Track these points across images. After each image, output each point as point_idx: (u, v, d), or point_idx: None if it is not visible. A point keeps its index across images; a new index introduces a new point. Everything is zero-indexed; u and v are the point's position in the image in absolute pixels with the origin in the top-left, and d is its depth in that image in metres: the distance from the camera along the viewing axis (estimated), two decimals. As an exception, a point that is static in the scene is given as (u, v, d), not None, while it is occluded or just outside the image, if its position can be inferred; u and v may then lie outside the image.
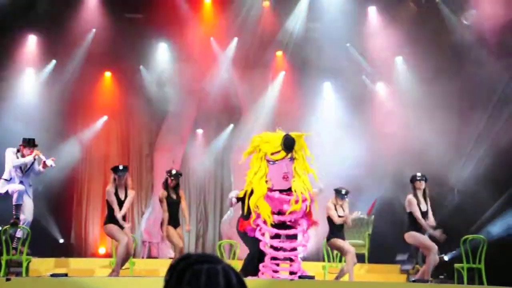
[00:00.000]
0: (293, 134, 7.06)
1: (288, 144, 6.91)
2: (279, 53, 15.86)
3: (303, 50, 15.26)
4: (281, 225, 7.15)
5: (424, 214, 9.68)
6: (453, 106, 13.26)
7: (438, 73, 13.49)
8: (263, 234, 7.13)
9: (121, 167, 9.83)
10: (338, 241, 10.00)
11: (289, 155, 6.99)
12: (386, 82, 15.36)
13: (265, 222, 6.93)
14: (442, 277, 11.54)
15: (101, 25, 14.69)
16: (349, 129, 14.77)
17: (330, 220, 10.05)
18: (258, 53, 15.47)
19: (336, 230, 10.07)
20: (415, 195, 9.69)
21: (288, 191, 7.12)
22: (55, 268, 11.69)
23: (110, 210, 9.67)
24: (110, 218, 9.63)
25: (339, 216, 9.95)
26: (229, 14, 14.77)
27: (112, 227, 9.57)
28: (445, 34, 13.70)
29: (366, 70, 15.42)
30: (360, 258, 13.05)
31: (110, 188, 9.69)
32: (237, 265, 10.62)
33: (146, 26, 14.94)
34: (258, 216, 7.04)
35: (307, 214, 7.23)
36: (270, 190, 6.95)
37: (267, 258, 7.08)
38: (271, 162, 6.98)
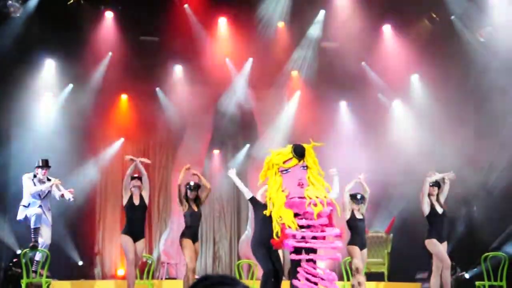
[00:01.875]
0: (303, 144, 7.08)
1: (299, 150, 6.90)
2: (295, 73, 15.88)
3: (318, 69, 15.29)
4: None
5: (442, 216, 9.74)
6: (470, 123, 13.21)
7: (454, 90, 13.47)
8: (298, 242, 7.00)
9: (135, 175, 9.94)
10: (356, 251, 9.96)
11: (301, 162, 6.95)
12: (402, 100, 15.34)
13: (289, 228, 6.84)
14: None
15: (117, 49, 14.79)
16: (366, 147, 14.75)
17: (348, 225, 10.09)
18: (273, 73, 15.51)
19: (356, 235, 10.07)
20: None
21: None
22: (75, 290, 11.73)
23: (128, 218, 9.74)
24: (127, 228, 9.70)
25: (359, 219, 10.07)
26: (244, 34, 14.83)
27: (126, 239, 9.60)
28: (461, 51, 13.68)
29: (382, 88, 15.40)
30: (379, 277, 13.01)
31: (127, 193, 9.75)
32: (255, 285, 10.60)
33: (161, 49, 15.02)
34: (283, 230, 6.94)
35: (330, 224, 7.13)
36: (288, 198, 6.90)
37: (302, 267, 6.97)
38: (284, 172, 6.96)
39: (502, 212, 12.27)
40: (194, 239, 10.19)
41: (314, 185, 6.96)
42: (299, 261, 6.91)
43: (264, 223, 7.76)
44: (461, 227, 12.80)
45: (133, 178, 9.84)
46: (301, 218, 6.83)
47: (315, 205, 6.73)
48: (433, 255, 9.91)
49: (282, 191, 6.97)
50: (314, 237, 6.87)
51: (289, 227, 6.78)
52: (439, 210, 9.80)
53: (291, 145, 6.99)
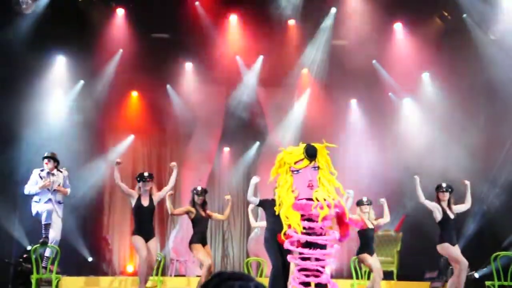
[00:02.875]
0: (316, 144, 7.05)
1: (310, 151, 6.86)
2: (305, 71, 15.87)
3: (329, 67, 15.27)
4: (310, 235, 7.04)
5: (453, 221, 9.63)
6: (481, 121, 13.16)
7: (465, 88, 13.42)
8: (292, 244, 7.02)
9: (146, 174, 9.85)
10: (366, 257, 10.00)
11: (312, 164, 6.92)
12: (413, 98, 15.31)
13: (295, 231, 6.86)
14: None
15: (128, 45, 14.82)
16: (376, 145, 14.74)
17: (360, 234, 10.09)
18: (283, 71, 15.50)
19: (365, 244, 10.08)
20: (440, 206, 9.67)
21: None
22: (85, 286, 11.76)
23: (137, 220, 9.71)
24: (137, 229, 9.66)
25: (370, 228, 10.06)
26: (255, 32, 14.82)
27: (136, 238, 9.57)
28: (472, 50, 13.62)
29: (392, 87, 15.37)
30: (389, 275, 12.98)
31: (134, 195, 9.72)
32: (265, 282, 10.61)
33: (172, 46, 15.06)
34: (289, 227, 6.99)
35: (341, 226, 7.12)
36: (297, 199, 6.90)
37: (295, 270, 6.99)
38: (295, 172, 6.93)
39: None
40: (204, 243, 10.25)
41: (324, 186, 6.94)
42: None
43: (276, 218, 7.76)
44: (471, 226, 12.75)
45: (142, 179, 9.74)
46: (306, 219, 6.83)
47: (321, 208, 6.72)
48: (449, 259, 9.87)
49: (292, 191, 6.97)
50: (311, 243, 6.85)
51: (294, 229, 6.79)
52: (451, 215, 9.66)
53: (304, 145, 6.95)
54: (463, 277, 9.39)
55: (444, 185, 9.79)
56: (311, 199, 6.80)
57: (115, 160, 9.92)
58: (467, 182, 9.87)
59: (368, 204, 10.23)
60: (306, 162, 6.88)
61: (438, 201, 9.72)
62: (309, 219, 6.83)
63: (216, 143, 16.15)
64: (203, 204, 10.45)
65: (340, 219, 6.95)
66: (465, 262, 9.44)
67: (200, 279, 10.39)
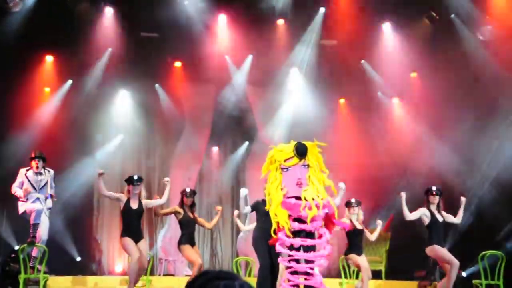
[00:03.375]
0: (306, 143, 7.03)
1: (300, 150, 6.84)
2: (294, 70, 15.88)
3: (318, 67, 15.28)
4: (300, 233, 7.02)
5: (442, 224, 9.62)
6: (468, 122, 13.22)
7: (453, 88, 13.47)
8: (283, 245, 7.00)
9: (135, 177, 9.82)
10: (355, 257, 10.03)
11: (302, 162, 6.90)
12: (401, 98, 15.35)
13: (283, 229, 6.84)
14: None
15: (117, 44, 14.77)
16: (365, 145, 14.76)
17: (348, 235, 10.10)
18: (273, 70, 15.49)
19: (353, 245, 10.10)
20: (429, 209, 9.63)
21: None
22: (73, 286, 11.72)
23: (126, 223, 9.68)
24: (126, 231, 9.63)
25: (358, 229, 10.08)
26: (244, 31, 14.81)
27: (126, 240, 9.53)
28: (460, 50, 13.68)
29: (381, 86, 15.41)
30: (377, 275, 13.01)
31: (122, 198, 9.69)
32: (253, 281, 10.61)
33: (161, 45, 15.02)
34: (279, 226, 6.96)
35: (327, 225, 7.11)
36: (286, 197, 6.88)
37: (287, 273, 6.97)
38: (284, 170, 6.91)
39: (500, 211, 12.26)
40: (192, 244, 10.25)
41: (313, 185, 6.92)
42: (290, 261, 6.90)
43: (266, 217, 7.76)
44: (461, 225, 12.80)
45: (132, 183, 9.71)
46: (295, 219, 6.81)
47: (310, 208, 6.70)
48: (439, 261, 9.87)
49: (281, 189, 6.95)
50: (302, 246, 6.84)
51: (283, 227, 6.77)
52: (439, 218, 9.63)
53: (294, 143, 6.94)
54: (453, 276, 9.39)
55: (434, 188, 9.75)
56: (300, 198, 6.79)
57: (98, 172, 9.83)
58: (463, 199, 9.87)
59: (356, 206, 10.23)
60: (295, 160, 6.86)
61: (428, 204, 9.67)
62: (299, 220, 6.83)
63: (205, 142, 16.13)
64: (192, 206, 10.44)
65: (328, 219, 6.94)
66: (456, 261, 9.43)
67: (190, 278, 10.36)
